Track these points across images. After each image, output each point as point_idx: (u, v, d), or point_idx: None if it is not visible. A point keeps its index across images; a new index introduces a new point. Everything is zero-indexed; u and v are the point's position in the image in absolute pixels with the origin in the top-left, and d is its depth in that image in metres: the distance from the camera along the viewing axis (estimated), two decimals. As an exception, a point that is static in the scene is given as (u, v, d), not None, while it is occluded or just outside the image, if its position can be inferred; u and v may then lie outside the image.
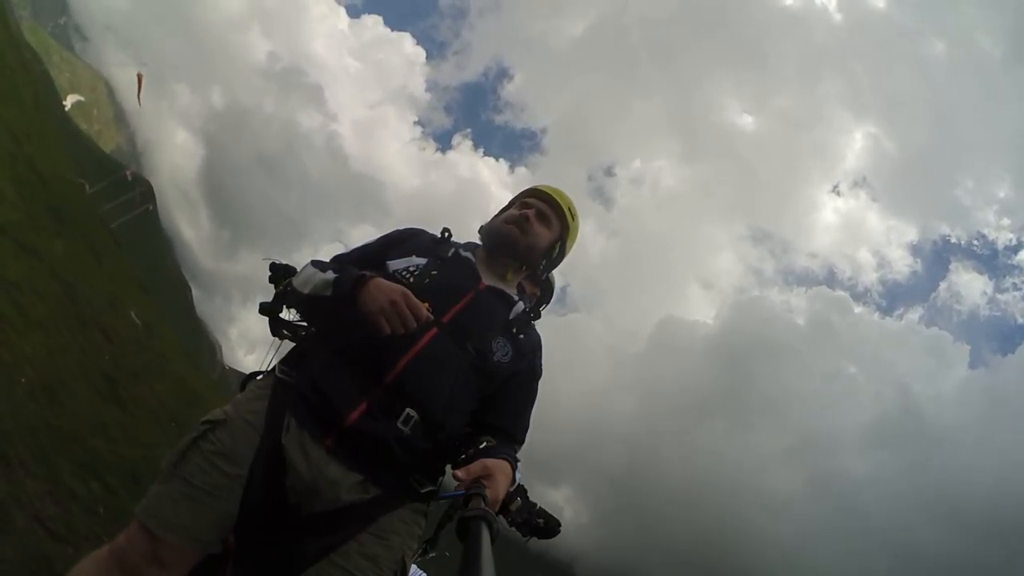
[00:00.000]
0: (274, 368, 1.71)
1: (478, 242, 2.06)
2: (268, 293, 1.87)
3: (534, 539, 1.71)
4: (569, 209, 2.01)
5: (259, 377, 1.76)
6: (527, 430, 1.85)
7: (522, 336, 1.81)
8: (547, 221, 1.98)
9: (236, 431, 1.57)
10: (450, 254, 1.86)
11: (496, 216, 2.04)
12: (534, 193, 2.03)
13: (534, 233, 1.94)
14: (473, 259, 1.90)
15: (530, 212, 1.94)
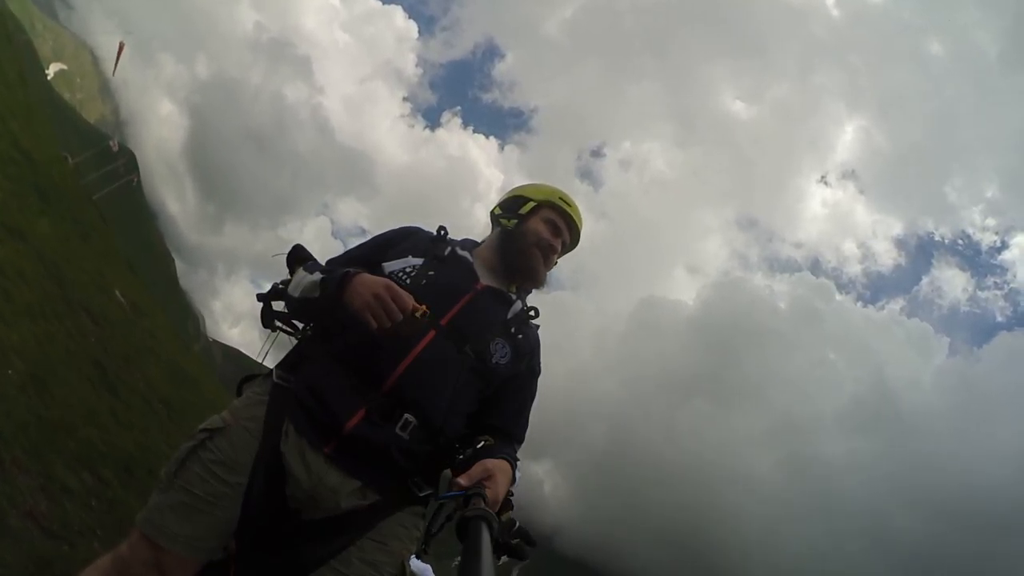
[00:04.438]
0: (271, 372, 1.69)
1: (475, 239, 2.03)
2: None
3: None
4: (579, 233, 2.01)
5: (255, 380, 1.74)
6: (527, 428, 1.83)
7: (521, 336, 1.79)
8: (564, 250, 2.00)
9: (235, 439, 1.56)
10: (447, 253, 1.83)
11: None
12: (564, 215, 1.96)
13: (552, 264, 1.95)
14: (471, 258, 1.87)
15: (558, 244, 1.93)
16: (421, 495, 1.62)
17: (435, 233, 1.90)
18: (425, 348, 1.61)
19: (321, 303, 1.63)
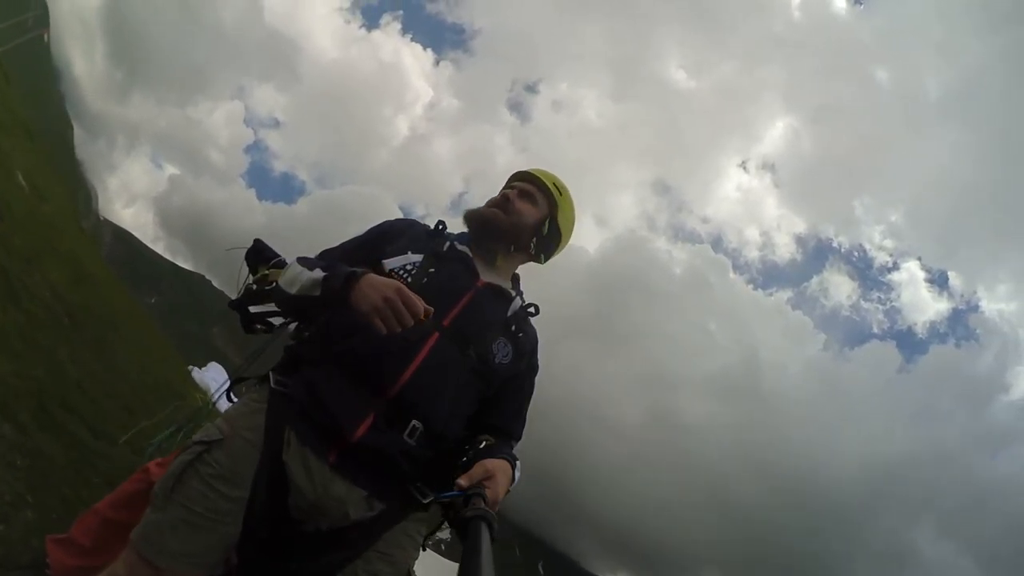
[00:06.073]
0: (267, 377, 1.59)
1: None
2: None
3: None
4: (555, 184, 1.94)
5: (247, 384, 1.66)
6: (524, 426, 1.81)
7: (521, 335, 1.76)
8: (531, 198, 1.91)
9: (234, 450, 1.48)
10: (446, 248, 1.77)
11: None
12: (516, 176, 1.98)
13: (517, 211, 1.86)
14: (470, 253, 1.82)
15: (511, 192, 1.89)
16: (425, 502, 1.58)
17: (433, 227, 1.85)
18: (430, 353, 1.56)
19: (322, 303, 1.54)
